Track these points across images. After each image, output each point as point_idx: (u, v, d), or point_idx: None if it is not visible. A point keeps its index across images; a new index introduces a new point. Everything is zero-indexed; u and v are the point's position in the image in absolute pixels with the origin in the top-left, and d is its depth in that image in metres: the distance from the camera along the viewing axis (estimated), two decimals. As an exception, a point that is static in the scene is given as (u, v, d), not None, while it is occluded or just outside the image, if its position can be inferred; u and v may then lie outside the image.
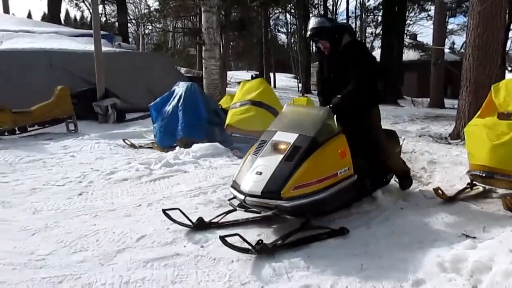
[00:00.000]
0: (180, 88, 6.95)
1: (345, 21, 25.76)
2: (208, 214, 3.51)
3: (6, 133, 7.62)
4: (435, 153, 6.13)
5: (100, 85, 9.73)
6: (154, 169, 5.25)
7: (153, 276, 2.67)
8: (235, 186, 3.25)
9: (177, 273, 2.71)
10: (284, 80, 34.46)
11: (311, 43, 4.48)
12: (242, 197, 3.10)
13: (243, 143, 6.22)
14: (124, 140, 7.08)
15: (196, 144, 6.12)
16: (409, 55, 25.62)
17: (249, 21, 21.63)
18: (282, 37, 43.20)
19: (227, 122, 6.38)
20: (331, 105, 3.50)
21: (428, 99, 18.04)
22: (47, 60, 10.20)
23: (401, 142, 4.52)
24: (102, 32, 11.28)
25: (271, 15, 29.34)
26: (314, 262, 2.78)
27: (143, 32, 29.42)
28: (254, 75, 7.28)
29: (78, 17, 41.82)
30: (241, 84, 6.93)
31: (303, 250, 2.95)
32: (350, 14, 32.11)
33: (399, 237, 3.14)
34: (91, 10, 10.43)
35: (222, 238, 2.78)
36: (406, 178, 4.18)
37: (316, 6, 29.39)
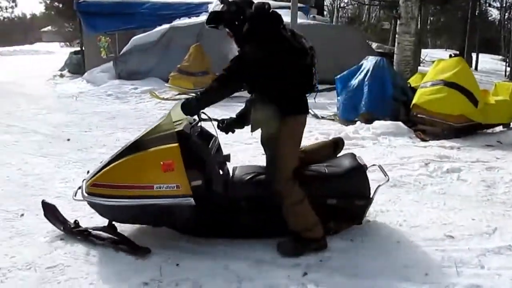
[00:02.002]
0: (368, 63, 6.84)
1: None
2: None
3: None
4: None
5: (292, 55, 10.17)
6: (332, 141, 5.37)
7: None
8: None
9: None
10: (488, 62, 30.37)
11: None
12: None
13: (429, 125, 5.87)
14: (307, 110, 7.33)
15: (378, 121, 6.00)
16: None
17: (456, -7, 19.60)
18: (494, 13, 38.05)
19: (414, 101, 6.06)
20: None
21: None
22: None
23: (376, 188, 2.98)
24: (299, 5, 11.67)
25: (484, -13, 26.07)
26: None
27: (338, 5, 29.46)
28: (453, 54, 6.65)
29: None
30: (435, 62, 6.44)
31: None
32: None
33: None
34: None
35: (44, 205, 3.08)
36: (296, 241, 2.74)
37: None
